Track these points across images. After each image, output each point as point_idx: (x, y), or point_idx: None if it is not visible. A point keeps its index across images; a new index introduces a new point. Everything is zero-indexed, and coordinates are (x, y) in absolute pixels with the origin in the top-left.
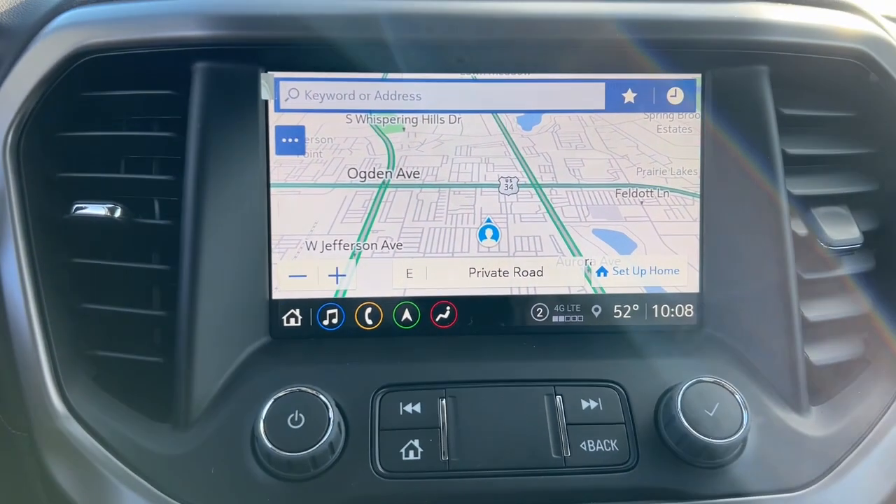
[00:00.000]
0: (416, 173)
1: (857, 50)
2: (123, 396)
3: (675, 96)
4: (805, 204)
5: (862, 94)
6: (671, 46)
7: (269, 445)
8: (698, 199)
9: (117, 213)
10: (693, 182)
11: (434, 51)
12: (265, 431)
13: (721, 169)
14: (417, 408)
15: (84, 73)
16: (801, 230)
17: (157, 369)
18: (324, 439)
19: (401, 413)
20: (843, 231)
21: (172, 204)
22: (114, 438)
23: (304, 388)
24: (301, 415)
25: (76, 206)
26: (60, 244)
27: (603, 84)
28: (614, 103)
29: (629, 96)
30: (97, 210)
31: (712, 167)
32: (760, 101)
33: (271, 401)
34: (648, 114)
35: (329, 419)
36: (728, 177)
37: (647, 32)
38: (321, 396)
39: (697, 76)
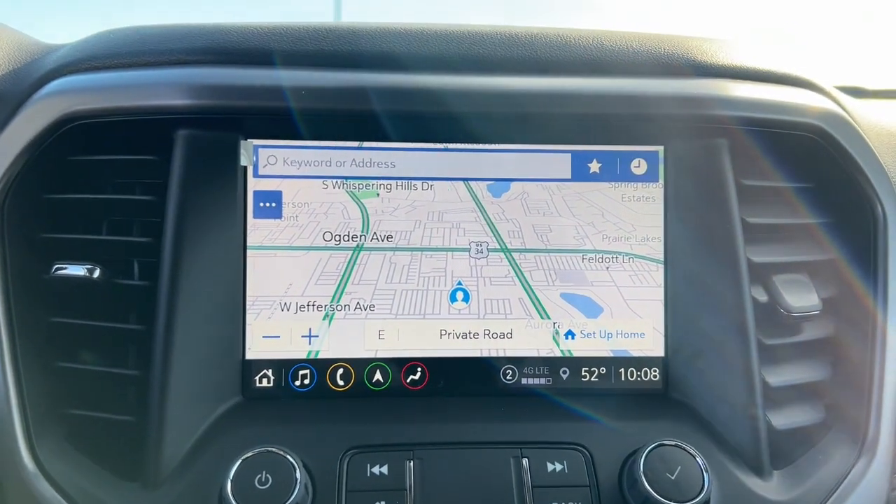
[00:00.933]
0: (389, 237)
1: (813, 125)
2: (94, 455)
3: (639, 167)
4: (766, 271)
5: (819, 167)
6: (635, 120)
7: None
8: (662, 266)
9: (96, 274)
10: (657, 249)
11: (408, 122)
12: (232, 491)
13: (684, 237)
14: (385, 469)
15: (70, 139)
16: (762, 296)
17: (129, 428)
18: (290, 500)
19: (368, 475)
20: (803, 298)
21: (151, 265)
22: (82, 497)
23: (271, 449)
24: (268, 475)
25: (56, 266)
26: (39, 303)
27: (569, 155)
28: (580, 173)
29: (594, 166)
30: (76, 271)
31: (675, 235)
32: (721, 173)
33: (239, 461)
34: (613, 183)
35: (296, 480)
36: (691, 244)
37: (613, 107)
38: (289, 457)
39: (660, 148)
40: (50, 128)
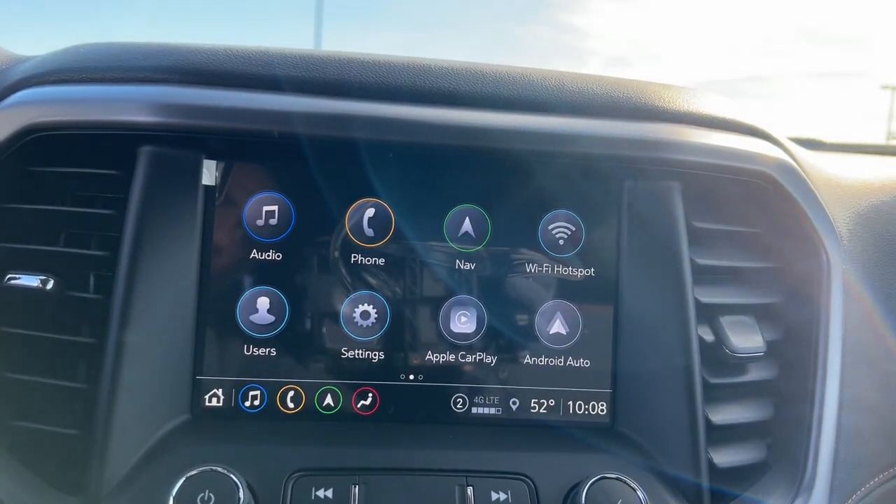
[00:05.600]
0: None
1: (764, 173)
2: (36, 468)
3: None
4: (713, 311)
5: (768, 213)
6: (590, 160)
7: None
8: (612, 303)
9: (49, 285)
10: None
11: (371, 150)
12: None
13: (635, 274)
14: (329, 493)
15: (33, 149)
16: (709, 336)
17: (74, 442)
18: None
19: (312, 498)
20: (748, 339)
21: (106, 279)
22: None
23: (216, 468)
24: (211, 494)
25: (9, 275)
26: None
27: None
28: None
29: None
30: (30, 281)
31: (626, 272)
32: (672, 214)
33: (183, 479)
34: None
35: (239, 499)
36: (641, 282)
37: (570, 146)
38: (232, 476)
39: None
40: (12, 138)
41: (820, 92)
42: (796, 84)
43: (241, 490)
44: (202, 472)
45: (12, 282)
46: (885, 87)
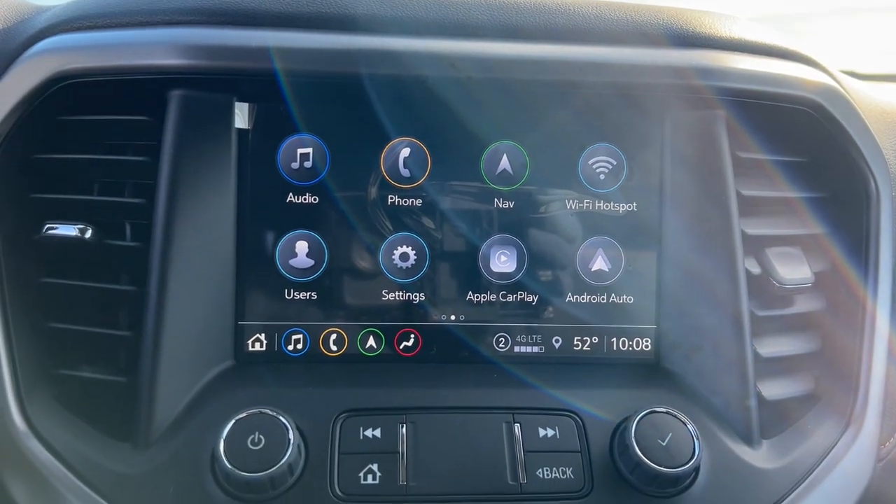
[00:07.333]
0: None
1: (810, 99)
2: (85, 415)
3: None
4: (759, 243)
5: (815, 142)
6: (632, 89)
7: (228, 466)
8: (656, 237)
9: (88, 234)
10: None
11: (402, 87)
12: (225, 451)
13: (678, 208)
14: (378, 433)
15: (62, 98)
16: (755, 269)
17: (121, 389)
18: (283, 461)
19: (361, 437)
20: (795, 270)
21: (143, 227)
22: (73, 456)
23: (265, 410)
24: (261, 436)
25: (47, 226)
26: (30, 264)
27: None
28: None
29: None
30: (68, 231)
31: (670, 206)
32: (716, 144)
33: (232, 422)
34: None
35: (289, 441)
36: (685, 215)
37: (611, 75)
38: (281, 418)
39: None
40: (41, 86)
41: (845, 28)
42: (820, 22)
43: (290, 431)
44: (251, 414)
45: (51, 231)
46: None
